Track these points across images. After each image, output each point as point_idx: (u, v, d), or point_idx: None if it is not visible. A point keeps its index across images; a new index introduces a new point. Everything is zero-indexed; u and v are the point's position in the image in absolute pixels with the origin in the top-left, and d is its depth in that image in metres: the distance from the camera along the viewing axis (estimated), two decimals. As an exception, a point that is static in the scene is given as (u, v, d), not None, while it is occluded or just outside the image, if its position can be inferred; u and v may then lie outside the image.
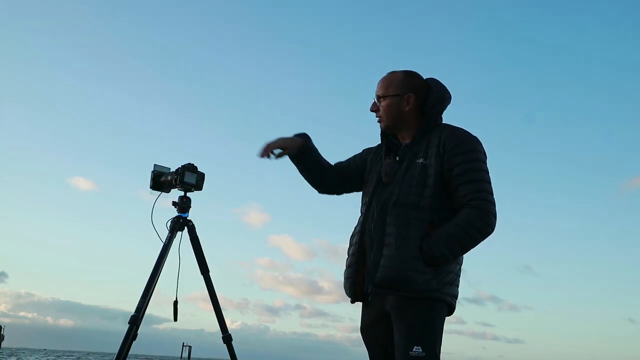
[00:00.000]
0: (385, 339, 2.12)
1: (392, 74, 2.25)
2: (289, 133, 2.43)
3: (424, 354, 1.96)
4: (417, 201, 2.05)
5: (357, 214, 2.31)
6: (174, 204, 3.26)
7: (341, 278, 2.25)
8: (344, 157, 2.49)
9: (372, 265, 2.08)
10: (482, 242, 2.06)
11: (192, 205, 3.28)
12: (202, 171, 3.28)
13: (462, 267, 2.16)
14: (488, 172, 2.11)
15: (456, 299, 2.11)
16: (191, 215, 3.26)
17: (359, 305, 2.26)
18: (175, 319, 3.15)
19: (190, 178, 3.23)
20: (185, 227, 3.24)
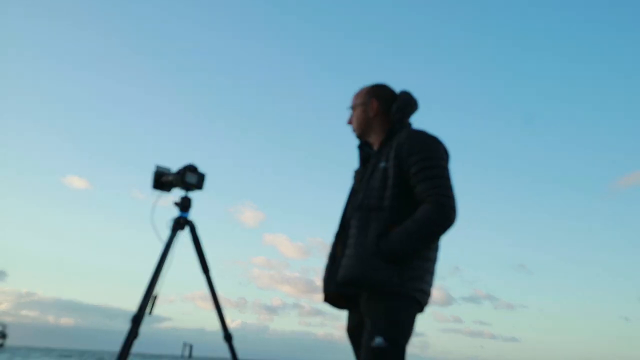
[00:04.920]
0: None
1: (363, 87, 2.41)
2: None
3: (385, 344, 1.96)
4: (379, 203, 2.12)
5: None
6: (176, 204, 3.30)
7: None
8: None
9: (336, 268, 2.21)
10: (442, 235, 2.07)
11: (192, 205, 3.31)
12: (203, 172, 3.33)
13: (434, 263, 2.16)
14: (446, 169, 2.13)
15: (425, 294, 2.10)
16: (189, 215, 3.29)
17: None
18: (150, 313, 2.98)
19: (191, 178, 3.26)
20: (187, 227, 3.27)
